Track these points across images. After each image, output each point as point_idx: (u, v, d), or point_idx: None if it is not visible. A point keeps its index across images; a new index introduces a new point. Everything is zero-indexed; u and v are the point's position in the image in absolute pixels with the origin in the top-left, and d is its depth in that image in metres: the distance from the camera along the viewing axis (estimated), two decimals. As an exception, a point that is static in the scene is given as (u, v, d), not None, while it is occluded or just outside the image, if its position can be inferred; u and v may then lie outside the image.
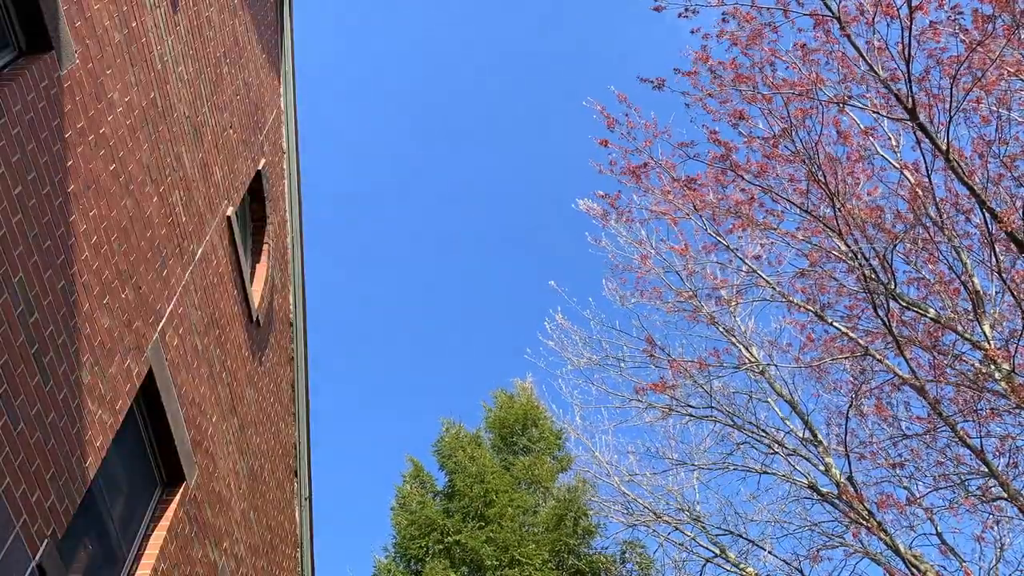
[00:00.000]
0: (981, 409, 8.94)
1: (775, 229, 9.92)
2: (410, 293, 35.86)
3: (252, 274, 8.33)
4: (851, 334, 9.51)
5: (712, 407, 10.89)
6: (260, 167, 8.46)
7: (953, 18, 7.54)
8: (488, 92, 33.36)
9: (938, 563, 9.33)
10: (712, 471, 11.46)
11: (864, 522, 9.11)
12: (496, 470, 16.19)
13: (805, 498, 10.68)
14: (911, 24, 6.70)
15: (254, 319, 7.85)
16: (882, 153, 9.74)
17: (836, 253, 9.34)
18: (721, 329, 10.98)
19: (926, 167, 7.86)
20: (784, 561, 10.65)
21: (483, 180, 35.20)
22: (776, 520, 11.07)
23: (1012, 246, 7.81)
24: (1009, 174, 8.23)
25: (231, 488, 6.74)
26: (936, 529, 9.58)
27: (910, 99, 6.95)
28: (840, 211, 8.18)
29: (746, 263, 10.48)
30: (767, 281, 10.28)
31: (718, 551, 11.21)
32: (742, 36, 8.36)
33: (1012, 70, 7.52)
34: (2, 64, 4.03)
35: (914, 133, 7.37)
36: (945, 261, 9.24)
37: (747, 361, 10.74)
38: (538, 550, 14.63)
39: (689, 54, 8.85)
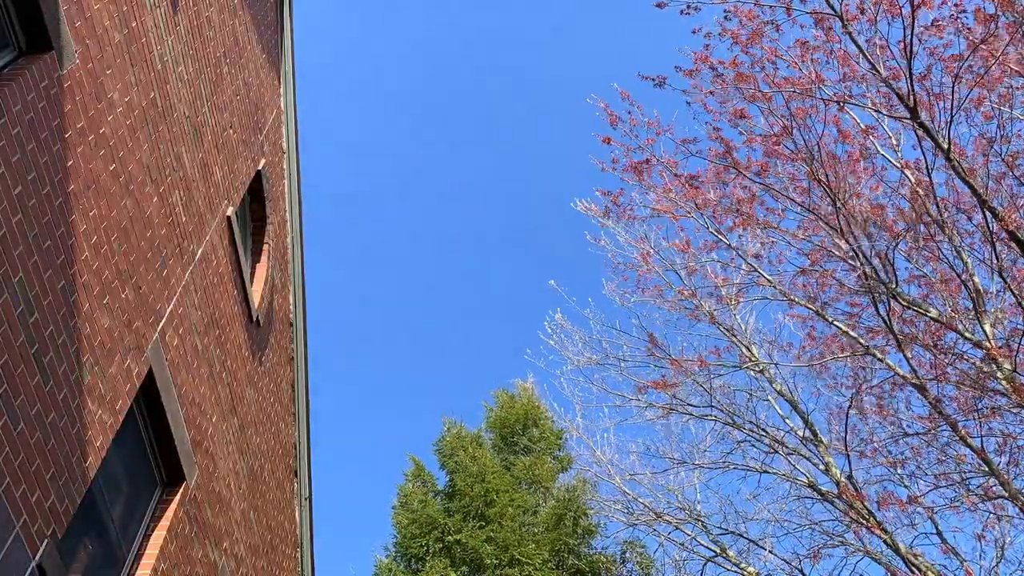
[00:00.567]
0: (982, 408, 8.94)
1: (776, 227, 9.92)
2: (410, 293, 35.86)
3: (252, 274, 8.32)
4: (852, 333, 9.51)
5: (712, 406, 10.88)
6: (260, 167, 8.45)
7: (956, 15, 7.53)
8: (488, 91, 33.36)
9: (939, 562, 9.33)
10: (712, 470, 11.46)
11: (864, 521, 9.11)
12: (497, 470, 16.19)
13: (805, 497, 10.67)
14: (913, 21, 6.69)
15: (254, 319, 7.85)
16: (883, 152, 9.73)
17: (837, 252, 9.34)
18: (722, 328, 10.98)
19: (927, 166, 7.85)
20: (784, 560, 10.65)
21: (483, 180, 35.20)
22: (776, 519, 11.07)
23: (1013, 245, 7.80)
24: (1010, 172, 8.22)
25: (231, 488, 6.74)
26: (937, 528, 9.58)
27: (911, 97, 6.94)
28: (841, 210, 8.17)
29: (747, 261, 10.48)
30: (768, 280, 10.27)
31: (718, 550, 11.21)
32: (743, 35, 8.35)
33: (1015, 68, 7.51)
34: (2, 64, 4.02)
35: (915, 132, 7.36)
36: (946, 260, 9.23)
37: (747, 360, 10.74)
38: (538, 550, 14.63)
39: (690, 54, 8.86)
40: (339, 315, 34.50)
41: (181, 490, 5.58)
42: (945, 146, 6.95)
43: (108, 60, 4.85)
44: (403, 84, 33.26)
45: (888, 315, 8.13)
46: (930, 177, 7.94)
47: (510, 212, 35.37)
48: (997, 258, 8.00)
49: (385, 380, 36.09)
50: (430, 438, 25.04)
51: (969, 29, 7.49)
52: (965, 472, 9.51)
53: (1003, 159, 7.91)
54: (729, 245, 10.34)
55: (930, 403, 8.61)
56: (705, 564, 11.26)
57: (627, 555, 15.30)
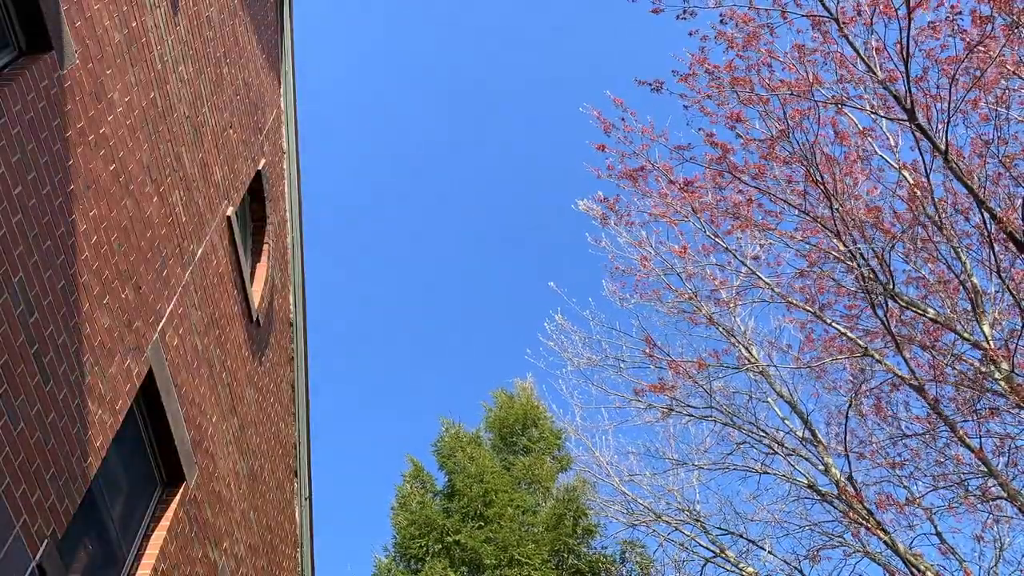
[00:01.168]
0: (980, 408, 8.95)
1: (774, 230, 9.94)
2: (410, 293, 35.88)
3: (252, 274, 8.33)
4: (850, 334, 9.52)
5: (712, 407, 10.89)
6: (260, 167, 8.46)
7: (952, 17, 7.55)
8: (489, 91, 33.38)
9: (938, 563, 9.34)
10: (712, 471, 11.47)
11: (864, 522, 9.12)
12: (496, 470, 16.20)
13: (805, 498, 10.68)
14: (909, 24, 6.71)
15: (254, 319, 7.86)
16: (880, 153, 9.75)
17: (835, 253, 9.35)
18: (721, 330, 10.99)
19: (924, 167, 7.87)
20: (784, 561, 10.66)
21: (483, 179, 35.22)
22: (776, 520, 11.08)
23: (1011, 245, 7.81)
24: (1008, 173, 8.24)
25: (231, 488, 6.75)
26: (936, 529, 9.59)
27: (908, 99, 6.96)
28: (838, 211, 8.19)
29: (745, 264, 10.49)
30: (766, 282, 10.29)
31: (718, 551, 11.21)
32: (738, 38, 8.37)
33: (1011, 69, 7.53)
34: (2, 64, 4.03)
35: (912, 133, 7.37)
36: (944, 261, 9.25)
37: (747, 361, 10.75)
38: (538, 550, 14.64)
39: (686, 58, 8.88)
40: (339, 315, 34.51)
41: (181, 490, 5.58)
42: (943, 147, 6.97)
43: (108, 60, 4.86)
44: (403, 84, 33.28)
45: (886, 316, 8.15)
46: (928, 178, 7.95)
47: (510, 212, 35.40)
48: (995, 259, 8.01)
49: (385, 380, 36.10)
50: (429, 438, 25.08)
51: (965, 31, 7.51)
52: (964, 473, 9.52)
53: (1000, 160, 7.93)
54: (727, 248, 10.35)
55: (929, 404, 8.62)
56: (704, 564, 11.27)
57: (627, 555, 15.31)
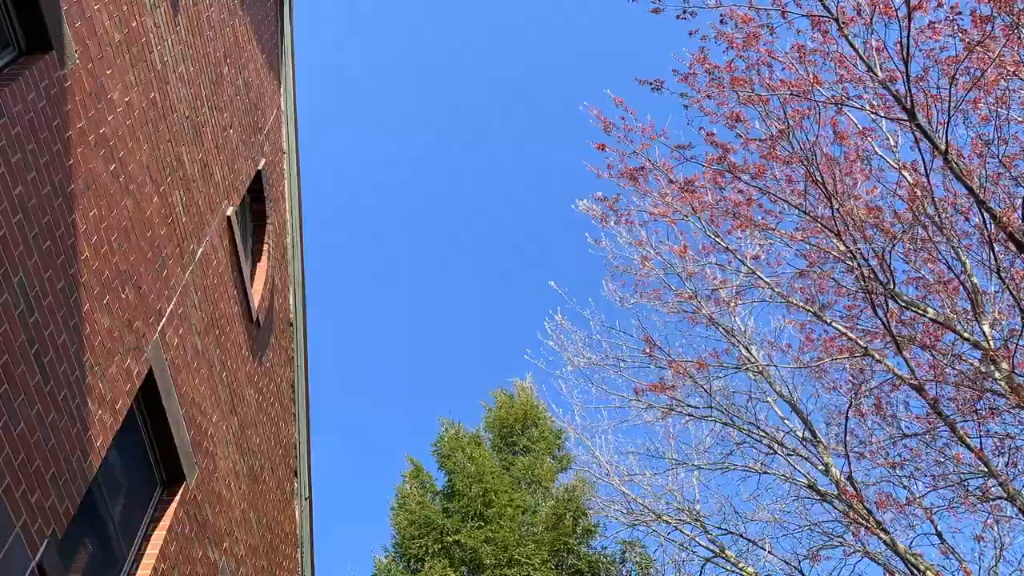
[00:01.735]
0: (980, 408, 8.95)
1: (774, 230, 9.93)
2: (410, 293, 35.87)
3: (252, 274, 8.33)
4: (850, 334, 9.52)
5: (712, 407, 10.90)
6: (260, 167, 8.46)
7: (952, 17, 7.55)
8: (489, 90, 33.38)
9: (938, 563, 9.34)
10: (712, 471, 11.48)
11: (863, 522, 9.12)
12: (495, 470, 16.20)
13: (805, 498, 10.69)
14: (910, 24, 6.71)
15: (254, 319, 7.86)
16: (880, 153, 9.75)
17: (835, 253, 9.35)
18: (721, 330, 11.00)
19: (924, 167, 7.86)
20: (784, 561, 10.67)
21: (484, 179, 35.21)
22: (776, 520, 11.08)
23: (1011, 245, 7.81)
24: (1008, 173, 8.24)
25: (231, 488, 6.75)
26: (936, 529, 9.58)
27: (908, 99, 6.96)
28: (838, 211, 8.19)
29: (745, 264, 10.49)
30: (766, 282, 10.29)
31: (717, 550, 11.22)
32: (738, 38, 8.37)
33: (1011, 69, 7.53)
34: (2, 64, 4.03)
35: (912, 133, 7.37)
36: (944, 260, 9.24)
37: (747, 361, 10.75)
38: (537, 550, 14.64)
39: (686, 57, 8.88)
40: (339, 315, 34.50)
41: (181, 490, 5.58)
42: (943, 147, 6.97)
43: (108, 60, 4.86)
44: (403, 83, 33.27)
45: (886, 316, 8.15)
46: (928, 178, 7.95)
47: (510, 212, 35.39)
48: (995, 258, 8.01)
49: (385, 380, 36.09)
50: (429, 438, 25.07)
51: (965, 31, 7.51)
52: (964, 473, 9.52)
53: (1000, 160, 7.93)
54: (727, 248, 10.35)
55: (929, 404, 8.62)
56: (704, 564, 11.28)
57: (626, 555, 15.32)
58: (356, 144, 34.02)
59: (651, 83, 8.58)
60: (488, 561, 14.55)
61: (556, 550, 15.06)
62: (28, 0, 4.10)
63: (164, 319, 5.44)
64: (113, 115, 4.90)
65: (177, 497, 5.52)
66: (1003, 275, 8.04)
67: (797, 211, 9.16)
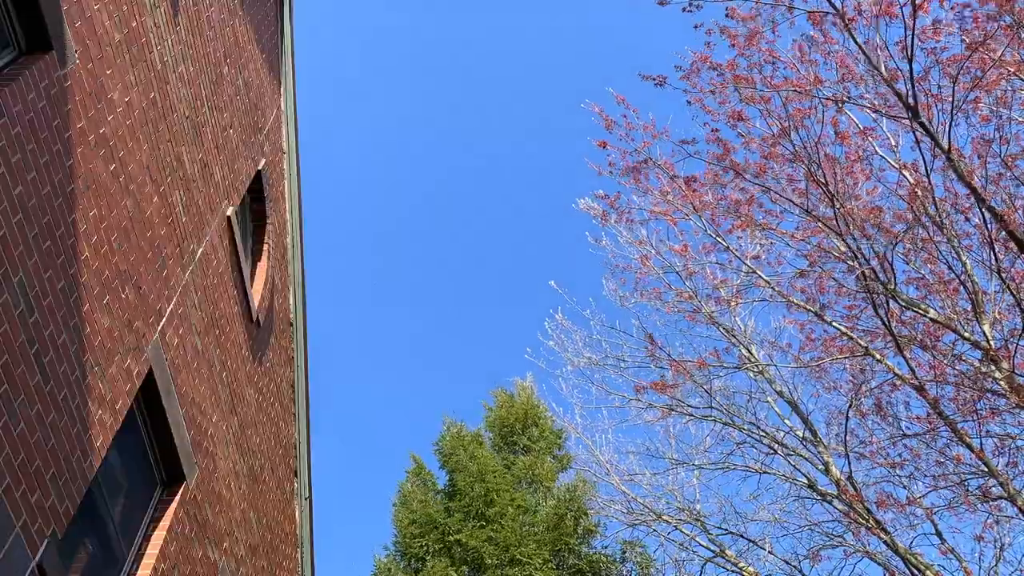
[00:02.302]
0: (981, 409, 8.94)
1: (774, 229, 9.93)
2: (411, 292, 35.88)
3: (252, 274, 8.33)
4: (851, 334, 9.51)
5: (712, 407, 10.89)
6: (260, 167, 8.46)
7: (960, 12, 7.53)
8: (490, 89, 33.37)
9: (938, 563, 9.34)
10: (712, 471, 11.47)
11: (864, 522, 9.12)
12: (497, 469, 16.20)
13: (805, 498, 10.68)
14: (914, 23, 6.70)
15: (254, 319, 7.86)
16: (881, 153, 9.74)
17: (835, 253, 9.34)
18: (721, 329, 10.99)
19: (925, 167, 7.86)
20: (784, 561, 10.67)
21: (484, 178, 35.21)
22: (776, 520, 11.08)
23: (1011, 245, 7.81)
24: (1009, 173, 8.23)
25: (231, 488, 6.75)
26: (936, 529, 9.58)
27: (911, 98, 6.95)
28: (839, 211, 8.18)
29: (745, 263, 10.48)
30: (766, 281, 10.28)
31: (718, 550, 11.22)
32: (740, 37, 8.36)
33: (1013, 70, 7.52)
34: (2, 64, 4.03)
35: (914, 132, 7.37)
36: (944, 260, 9.24)
37: (747, 361, 10.75)
38: (538, 549, 14.64)
39: (690, 54, 8.87)
40: (339, 315, 34.51)
41: (181, 490, 5.58)
42: (945, 146, 6.96)
43: (108, 60, 4.86)
44: (403, 82, 33.27)
45: (887, 316, 8.14)
46: (929, 178, 7.94)
47: (511, 211, 35.39)
48: (996, 258, 8.01)
49: (385, 380, 36.11)
50: (430, 437, 25.09)
51: (966, 31, 7.51)
52: (964, 473, 9.51)
53: (1002, 160, 7.92)
54: (727, 247, 10.35)
55: (929, 404, 8.61)
56: (704, 564, 11.28)
57: (627, 555, 15.32)
58: (356, 143, 34.03)
59: (654, 79, 8.58)
60: (489, 561, 14.56)
61: (557, 550, 15.07)
62: (28, 0, 4.09)
63: (164, 319, 5.44)
64: (113, 115, 4.90)
65: (177, 497, 5.52)
66: (1003, 275, 8.04)
67: (798, 210, 9.16)
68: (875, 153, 9.77)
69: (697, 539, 11.47)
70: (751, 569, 10.86)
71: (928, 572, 8.78)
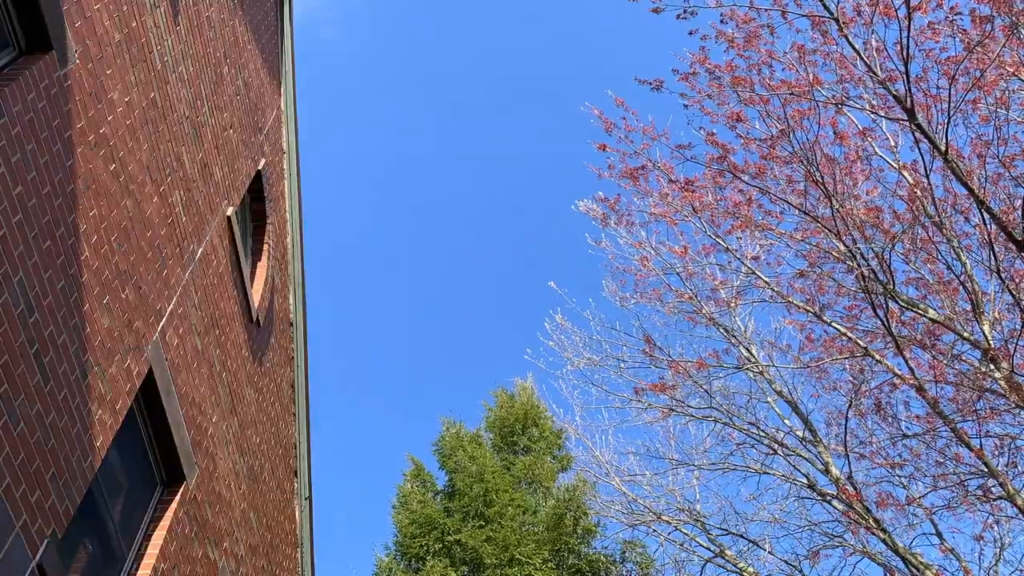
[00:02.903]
0: (980, 409, 8.95)
1: (774, 230, 9.93)
2: (411, 293, 35.88)
3: (252, 274, 8.34)
4: (850, 334, 9.52)
5: (712, 407, 10.90)
6: (260, 167, 8.46)
7: (951, 18, 7.55)
8: (490, 89, 33.39)
9: (938, 563, 9.34)
10: (712, 471, 11.48)
11: (863, 521, 9.13)
12: (496, 469, 16.20)
13: (805, 498, 10.69)
14: (910, 24, 6.71)
15: (254, 319, 7.86)
16: (880, 153, 9.75)
17: (835, 253, 9.35)
18: (721, 330, 11.00)
19: (924, 167, 7.86)
20: (784, 561, 10.67)
21: (484, 179, 35.22)
22: (776, 520, 11.08)
23: (1011, 245, 7.81)
24: (1008, 174, 8.24)
25: (231, 488, 6.75)
26: (936, 529, 9.59)
27: (908, 99, 6.96)
28: (838, 211, 8.18)
29: (745, 264, 10.49)
30: (766, 282, 10.29)
31: (718, 551, 11.22)
32: (739, 38, 8.37)
33: (1011, 70, 7.53)
34: (2, 64, 4.03)
35: (912, 133, 7.37)
36: (944, 261, 9.24)
37: (747, 361, 10.75)
38: (538, 549, 14.64)
39: (687, 57, 8.87)
40: (339, 315, 34.51)
41: (181, 490, 5.59)
42: (943, 148, 6.96)
43: (108, 60, 4.87)
44: (403, 81, 33.28)
45: (886, 316, 8.14)
46: (928, 178, 7.95)
47: (511, 211, 35.40)
48: (995, 259, 8.01)
49: (385, 380, 36.11)
50: (430, 438, 25.07)
51: (965, 31, 7.51)
52: (964, 473, 9.51)
53: (1000, 160, 7.93)
54: (727, 248, 10.35)
55: (929, 404, 8.62)
56: (705, 564, 11.28)
57: (627, 555, 15.31)
58: (356, 143, 34.03)
59: (651, 83, 8.58)
60: (489, 561, 14.56)
61: (557, 550, 15.06)
62: (28, 0, 4.10)
63: (164, 319, 5.45)
64: (113, 115, 4.90)
65: (177, 497, 5.53)
66: (1003, 275, 8.04)
67: (797, 211, 9.16)
68: (874, 154, 9.78)
69: (697, 539, 11.47)
70: (751, 569, 10.86)
71: (928, 572, 8.78)
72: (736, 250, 10.42)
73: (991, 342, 8.33)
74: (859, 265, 8.12)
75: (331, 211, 33.01)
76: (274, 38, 9.56)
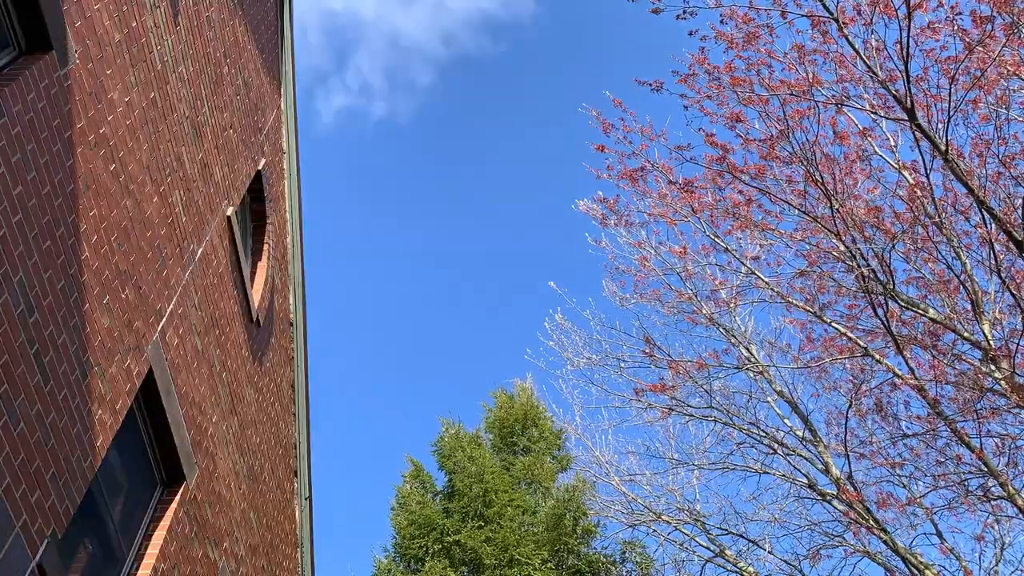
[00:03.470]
0: (981, 409, 8.94)
1: (773, 230, 9.92)
2: (411, 293, 35.88)
3: (252, 274, 8.33)
4: (850, 334, 9.51)
5: (712, 407, 10.90)
6: (260, 167, 8.46)
7: (952, 17, 7.54)
8: (490, 89, 33.38)
9: (938, 563, 9.34)
10: (712, 471, 11.48)
11: (863, 521, 9.12)
12: (496, 470, 16.20)
13: (805, 498, 10.69)
14: (909, 24, 6.70)
15: (254, 319, 7.86)
16: (880, 153, 9.74)
17: (835, 253, 9.34)
18: (721, 330, 11.00)
19: (924, 167, 7.86)
20: (784, 561, 10.67)
21: (484, 179, 35.23)
22: (776, 520, 11.08)
23: (1011, 245, 7.81)
24: (1008, 173, 8.24)
25: (231, 488, 6.75)
26: (936, 528, 9.59)
27: (908, 99, 6.96)
28: (838, 211, 8.18)
29: (745, 264, 10.49)
30: (765, 282, 10.28)
31: (718, 551, 11.22)
32: (738, 38, 8.36)
33: (1011, 69, 7.53)
34: (2, 64, 4.03)
35: (912, 133, 7.37)
36: (944, 260, 9.24)
37: (747, 361, 10.75)
38: (538, 550, 14.64)
39: (686, 58, 8.87)
40: (339, 315, 34.50)
41: (181, 490, 5.59)
42: (943, 147, 6.96)
43: (108, 60, 4.86)
44: (403, 81, 33.28)
45: (886, 316, 8.14)
46: (928, 178, 7.95)
47: (511, 212, 35.40)
48: (995, 258, 8.01)
49: (385, 380, 36.11)
50: (429, 438, 25.06)
51: (965, 31, 7.51)
52: (964, 473, 9.51)
53: (1000, 160, 7.93)
54: (727, 248, 10.35)
55: (929, 404, 8.61)
56: (705, 564, 11.27)
57: (627, 555, 15.32)
58: (356, 143, 34.03)
59: (650, 84, 8.57)
60: (488, 561, 14.55)
61: (556, 550, 15.06)
62: (28, 0, 4.10)
63: (164, 319, 5.45)
64: (113, 115, 4.90)
65: (177, 497, 5.52)
66: (1003, 275, 8.04)
67: (797, 211, 9.15)
68: (874, 153, 9.78)
69: (697, 539, 11.47)
70: (751, 569, 10.85)
71: (928, 572, 8.78)
72: (736, 250, 10.42)
73: (991, 342, 8.33)
74: (859, 265, 8.12)
75: (331, 211, 33.03)
76: (274, 38, 9.56)
